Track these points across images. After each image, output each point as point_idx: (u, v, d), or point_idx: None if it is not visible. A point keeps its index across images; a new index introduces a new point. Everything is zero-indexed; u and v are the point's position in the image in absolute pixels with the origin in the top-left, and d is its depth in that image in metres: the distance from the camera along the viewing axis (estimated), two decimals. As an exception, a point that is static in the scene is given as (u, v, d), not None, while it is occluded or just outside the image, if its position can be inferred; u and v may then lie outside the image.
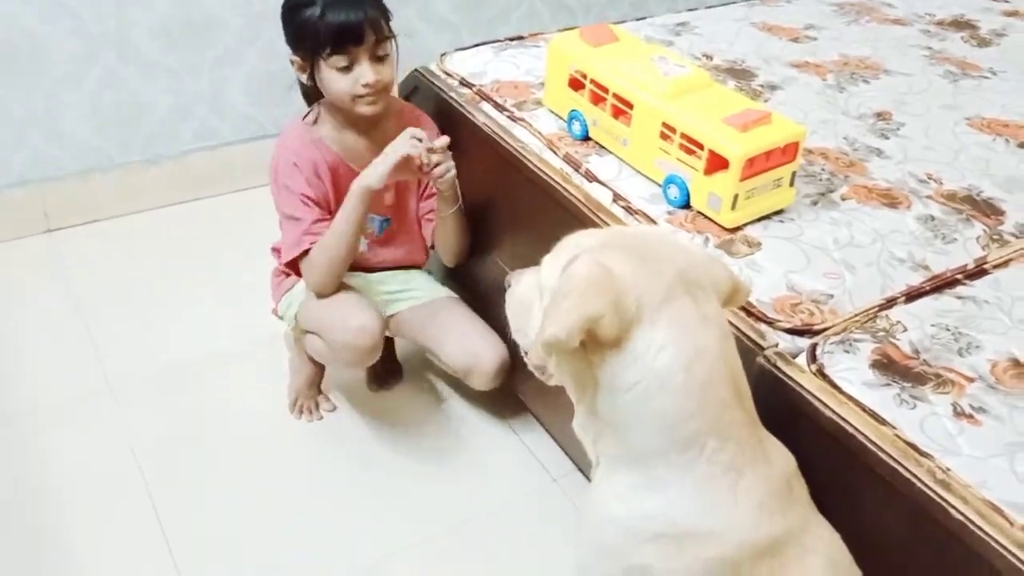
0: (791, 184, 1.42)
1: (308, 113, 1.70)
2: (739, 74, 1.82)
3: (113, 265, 2.30)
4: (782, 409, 1.15)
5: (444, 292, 1.85)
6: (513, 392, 1.83)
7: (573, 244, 1.02)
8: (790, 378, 1.15)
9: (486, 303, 1.78)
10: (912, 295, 1.29)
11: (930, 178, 1.54)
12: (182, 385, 1.95)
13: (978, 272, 1.35)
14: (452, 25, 2.75)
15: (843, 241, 1.37)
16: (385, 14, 1.59)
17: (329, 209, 1.66)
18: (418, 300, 1.82)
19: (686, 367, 0.95)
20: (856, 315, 1.25)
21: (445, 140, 1.60)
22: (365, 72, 1.55)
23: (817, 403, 1.12)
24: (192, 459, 1.79)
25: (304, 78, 1.62)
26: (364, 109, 1.59)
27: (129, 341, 2.06)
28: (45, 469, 1.75)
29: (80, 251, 2.34)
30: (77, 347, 2.03)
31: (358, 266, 1.75)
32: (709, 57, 1.89)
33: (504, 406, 1.91)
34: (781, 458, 1.05)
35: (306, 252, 1.63)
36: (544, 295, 1.01)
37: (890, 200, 1.47)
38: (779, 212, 1.42)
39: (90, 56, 2.25)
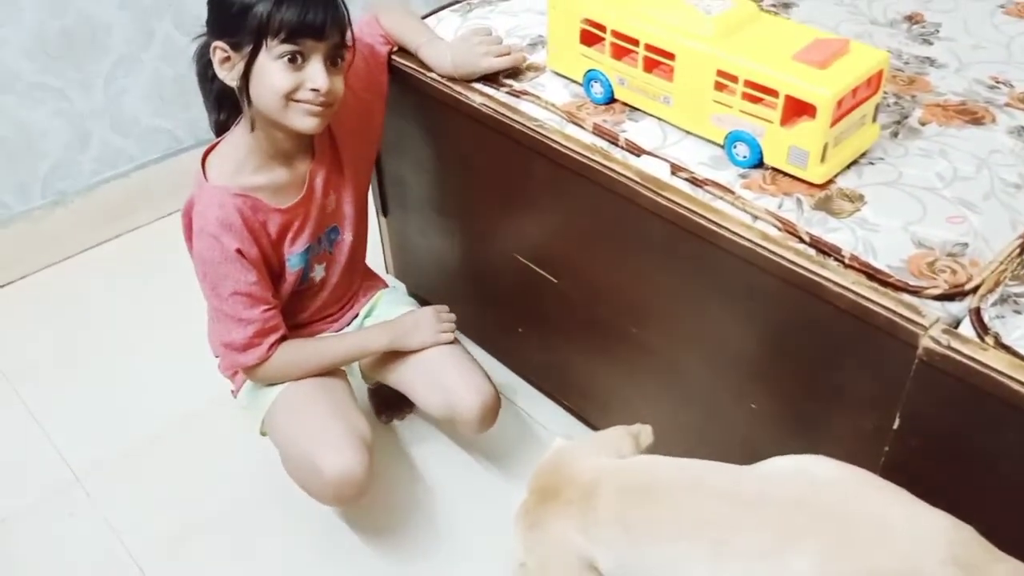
0: (874, 119, 1.22)
1: (211, 152, 1.33)
2: (742, -4, 1.59)
3: (37, 333, 1.96)
4: (965, 402, 0.97)
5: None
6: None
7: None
8: (972, 359, 0.96)
9: (502, 304, 1.54)
10: (1047, 225, 1.12)
11: (997, 82, 1.36)
12: (154, 460, 1.67)
13: (1098, 182, 1.19)
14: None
15: (947, 176, 1.18)
16: (349, 22, 1.27)
17: (270, 269, 1.35)
18: None
19: None
20: (1002, 262, 1.07)
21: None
22: (317, 73, 1.22)
23: (1016, 385, 0.93)
24: (184, 536, 1.54)
25: (228, 74, 1.24)
26: (302, 121, 1.24)
27: (83, 423, 1.74)
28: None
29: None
30: (29, 440, 1.71)
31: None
32: (700, -19, 1.65)
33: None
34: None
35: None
36: None
37: (971, 116, 1.29)
38: (863, 155, 1.22)
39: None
